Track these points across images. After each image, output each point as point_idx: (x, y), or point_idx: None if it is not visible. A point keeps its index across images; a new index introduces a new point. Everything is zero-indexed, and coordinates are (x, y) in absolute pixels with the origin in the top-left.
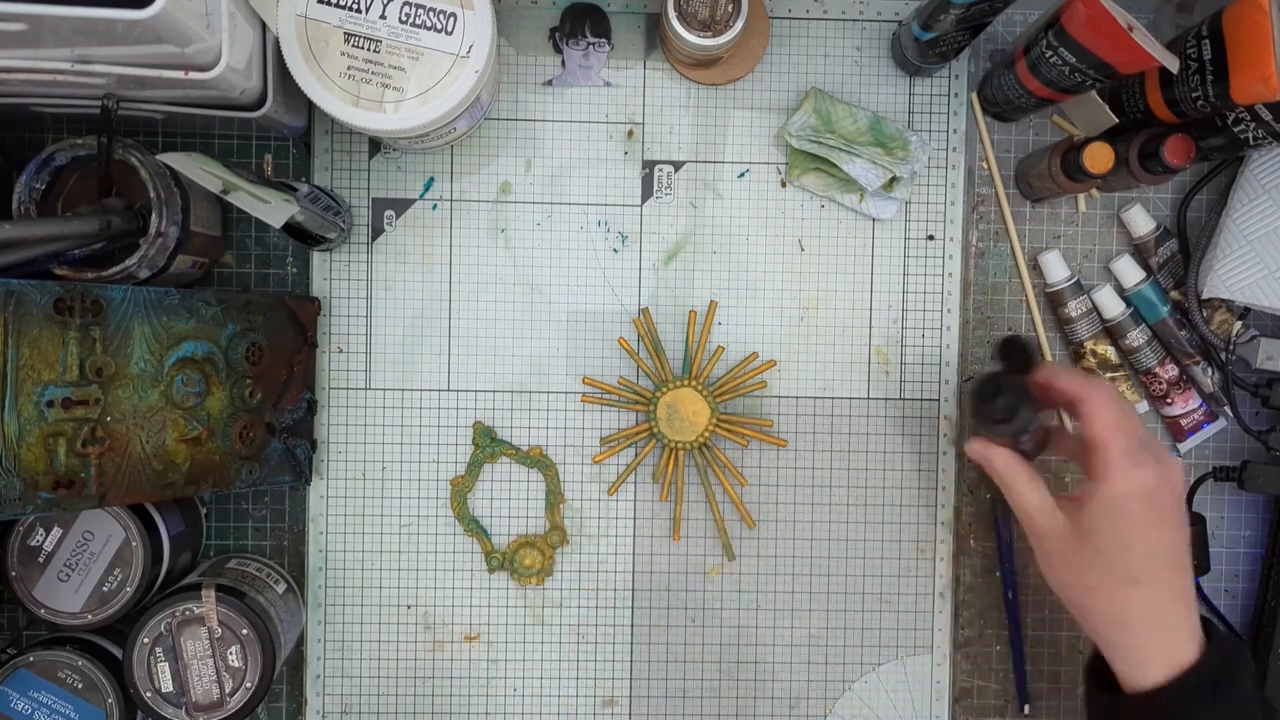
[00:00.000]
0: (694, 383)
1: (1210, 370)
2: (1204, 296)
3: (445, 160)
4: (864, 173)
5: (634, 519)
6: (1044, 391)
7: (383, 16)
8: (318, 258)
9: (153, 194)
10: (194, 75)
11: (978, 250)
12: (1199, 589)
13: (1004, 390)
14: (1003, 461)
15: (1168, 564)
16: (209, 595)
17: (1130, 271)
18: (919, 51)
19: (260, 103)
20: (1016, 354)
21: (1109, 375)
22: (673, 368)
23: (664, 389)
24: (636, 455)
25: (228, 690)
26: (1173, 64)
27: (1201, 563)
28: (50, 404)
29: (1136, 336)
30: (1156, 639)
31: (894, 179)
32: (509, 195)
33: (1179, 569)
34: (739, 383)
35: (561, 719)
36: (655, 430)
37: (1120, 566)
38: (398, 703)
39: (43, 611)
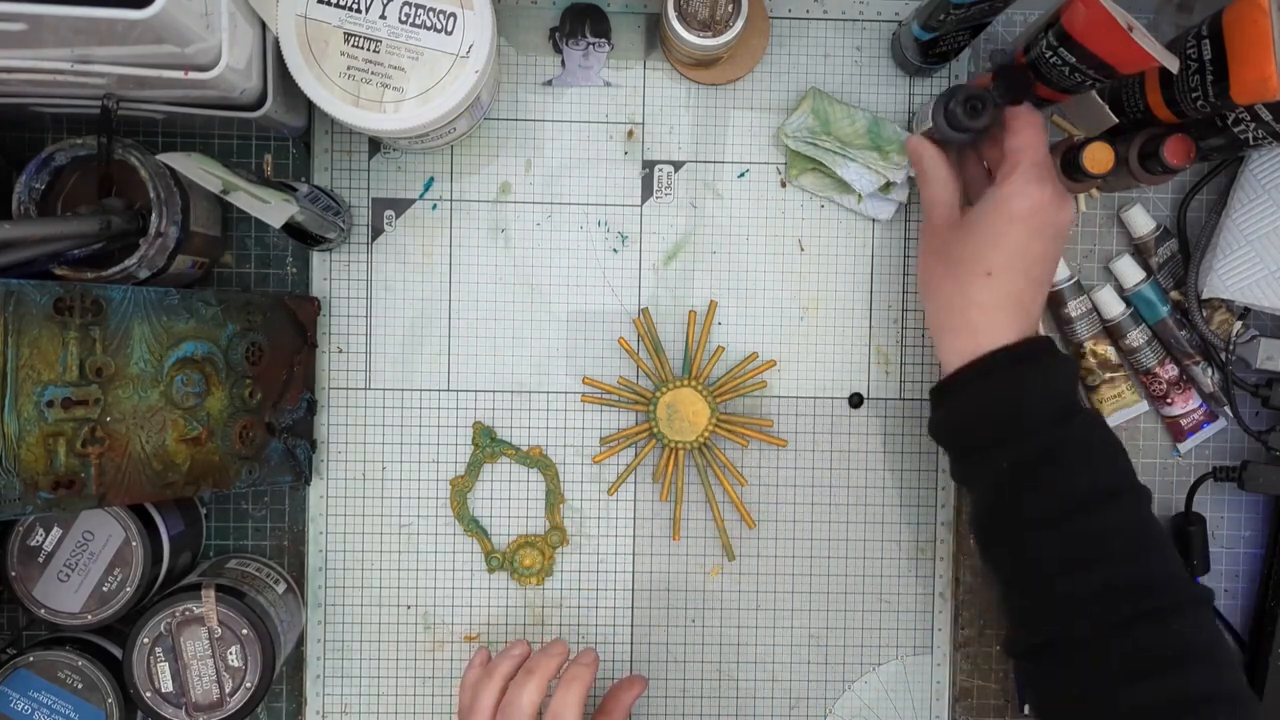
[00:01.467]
0: (694, 383)
1: (1210, 370)
2: (1204, 296)
3: (445, 160)
4: (858, 177)
5: (634, 519)
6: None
7: (383, 16)
8: (318, 258)
9: (153, 194)
10: (194, 75)
11: None
12: None
13: (986, 109)
14: (931, 158)
15: (1025, 271)
16: (209, 595)
17: (1130, 271)
18: (919, 51)
19: (260, 103)
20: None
21: (1109, 375)
22: (672, 368)
23: (664, 389)
24: (636, 455)
25: (228, 690)
26: (1173, 64)
27: (1201, 563)
28: (50, 404)
29: (1136, 336)
30: (985, 326)
31: (889, 183)
32: (509, 195)
33: (1034, 281)
34: (739, 383)
35: None
36: (655, 430)
37: (980, 257)
38: (398, 703)
39: (43, 611)
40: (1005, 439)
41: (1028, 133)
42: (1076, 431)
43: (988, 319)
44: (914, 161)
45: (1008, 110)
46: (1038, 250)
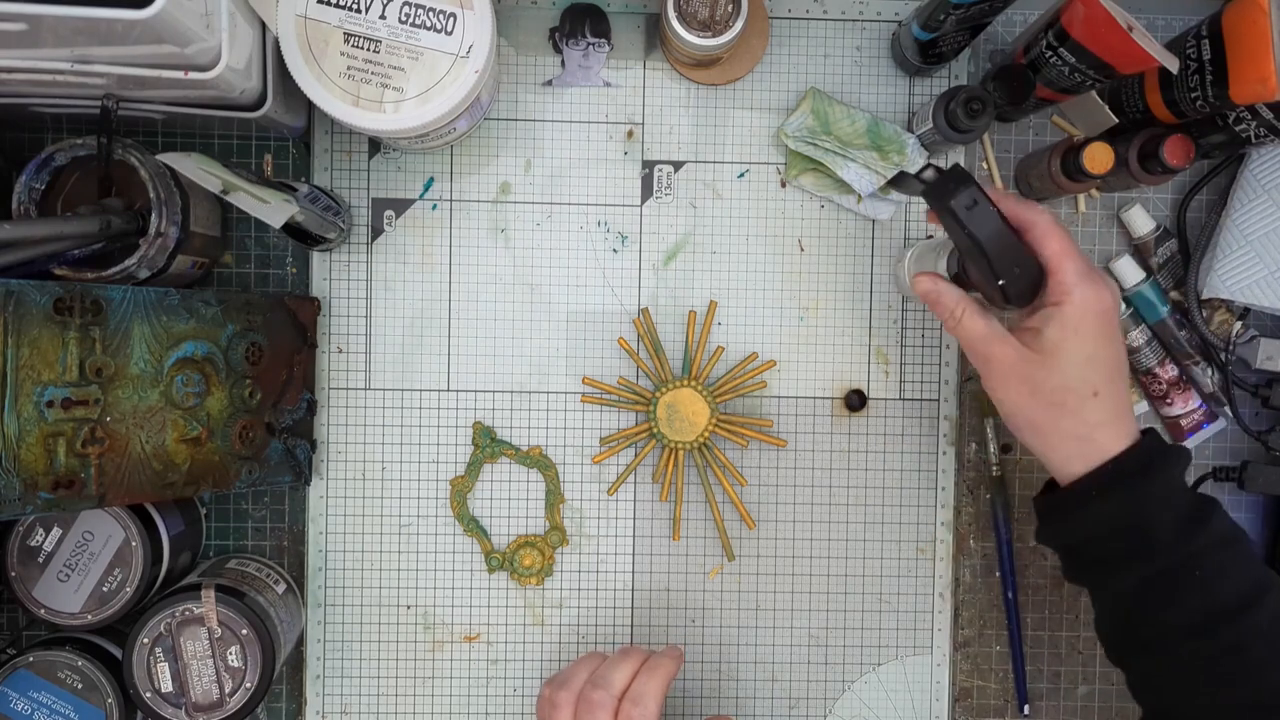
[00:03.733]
0: (694, 383)
1: (1210, 370)
2: (1204, 296)
3: (445, 160)
4: (858, 178)
5: (634, 519)
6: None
7: (382, 16)
8: (318, 258)
9: (153, 194)
10: (194, 75)
11: None
12: None
13: (986, 110)
14: (950, 294)
15: (1118, 376)
16: (209, 595)
17: (1130, 271)
18: (919, 51)
19: (260, 103)
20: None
21: None
22: (672, 368)
23: (664, 389)
24: (636, 455)
25: (227, 690)
26: (1172, 64)
27: None
28: (50, 404)
29: (1136, 336)
30: (1102, 439)
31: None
32: (509, 195)
33: (1124, 380)
34: (739, 383)
35: None
36: (655, 430)
37: (1084, 380)
38: (398, 703)
39: (43, 611)
40: (1135, 554)
41: (1053, 240)
42: (1208, 539)
43: (1104, 434)
44: (932, 304)
45: (1024, 216)
46: (1119, 351)
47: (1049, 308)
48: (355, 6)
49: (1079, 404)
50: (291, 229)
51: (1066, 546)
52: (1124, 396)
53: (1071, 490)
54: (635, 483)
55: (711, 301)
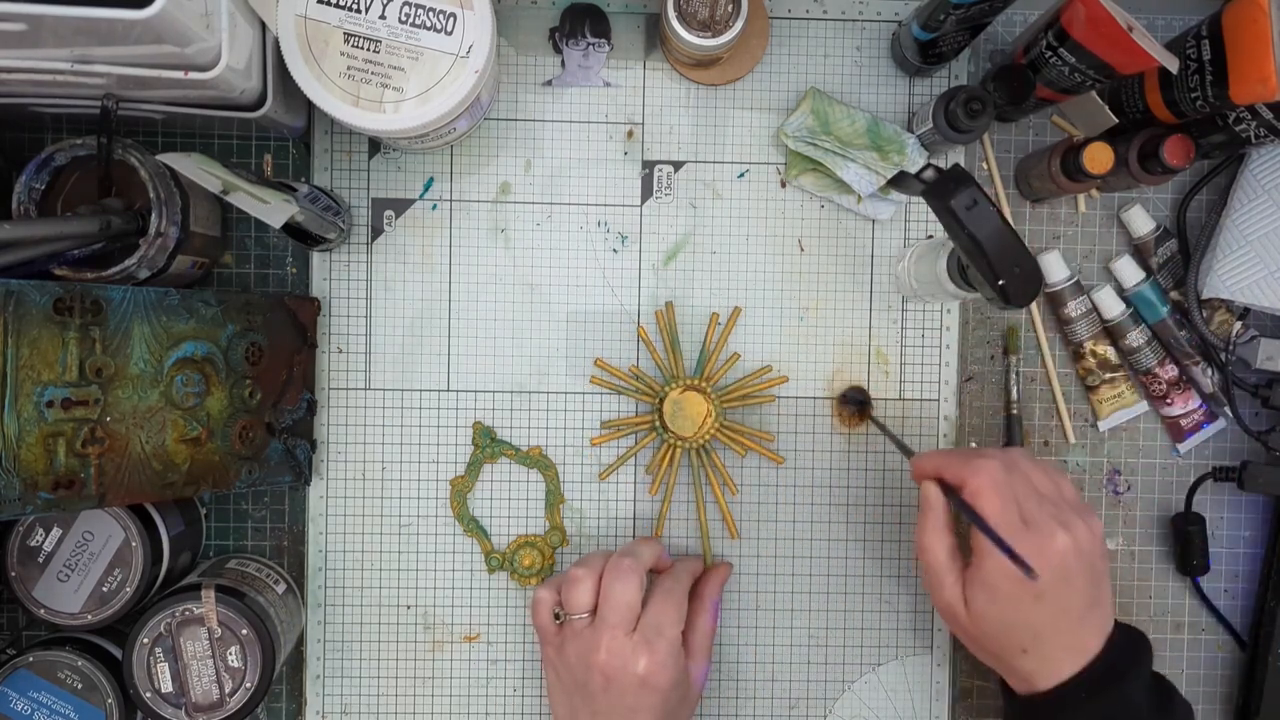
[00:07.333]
0: (704, 384)
1: (1210, 370)
2: (1204, 296)
3: (445, 160)
4: (858, 178)
5: (634, 520)
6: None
7: (382, 16)
8: (317, 258)
9: (153, 194)
10: (194, 75)
11: None
12: (1198, 589)
13: (986, 110)
14: (933, 495)
15: (1053, 628)
16: (209, 595)
17: (1130, 271)
18: (919, 51)
19: (260, 103)
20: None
21: (1109, 375)
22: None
23: (673, 385)
24: (634, 445)
25: (227, 690)
26: (1172, 64)
27: (1201, 563)
28: (50, 404)
29: (1136, 337)
30: (1052, 673)
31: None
32: (509, 195)
33: (1069, 624)
34: (748, 392)
35: None
36: (657, 424)
37: (1009, 641)
38: (398, 703)
39: (42, 611)
40: None
41: (983, 503)
42: None
43: (1043, 680)
44: (921, 509)
45: (955, 475)
46: (1046, 612)
47: (970, 568)
48: (355, 6)
49: (1011, 657)
50: (291, 229)
51: None
52: (1069, 643)
53: (1036, 703)
54: (635, 483)
55: (735, 308)
